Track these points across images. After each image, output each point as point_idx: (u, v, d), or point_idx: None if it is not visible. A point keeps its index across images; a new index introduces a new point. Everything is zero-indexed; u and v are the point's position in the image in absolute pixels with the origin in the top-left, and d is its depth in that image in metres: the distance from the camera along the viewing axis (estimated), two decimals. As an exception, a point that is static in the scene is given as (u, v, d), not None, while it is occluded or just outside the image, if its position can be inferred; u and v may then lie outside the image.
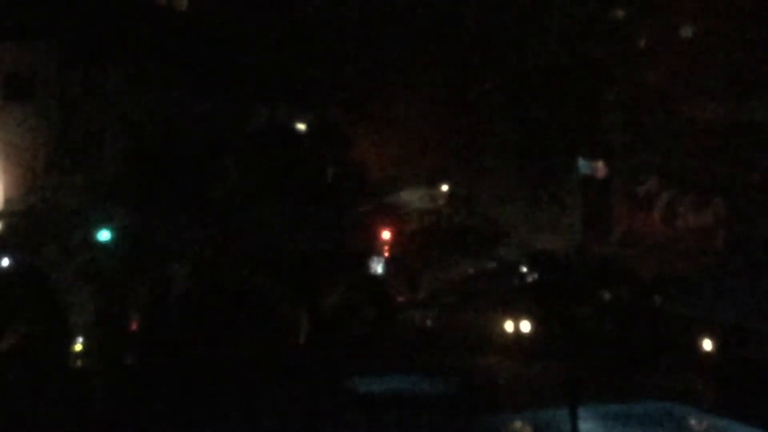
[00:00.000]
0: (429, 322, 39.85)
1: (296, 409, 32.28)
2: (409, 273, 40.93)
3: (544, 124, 44.69)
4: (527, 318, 37.85)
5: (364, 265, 40.05)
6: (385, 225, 41.92)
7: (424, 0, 45.00)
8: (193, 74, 39.44)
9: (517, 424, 33.81)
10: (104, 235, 36.30)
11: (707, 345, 36.35)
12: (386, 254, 41.06)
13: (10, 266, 36.31)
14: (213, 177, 38.09)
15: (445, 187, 45.98)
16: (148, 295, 36.45)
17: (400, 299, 40.23)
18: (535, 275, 39.61)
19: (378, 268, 40.51)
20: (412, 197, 44.98)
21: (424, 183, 45.60)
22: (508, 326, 38.30)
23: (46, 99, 41.56)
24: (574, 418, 31.56)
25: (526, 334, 38.02)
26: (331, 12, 44.09)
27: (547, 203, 44.88)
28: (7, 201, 40.43)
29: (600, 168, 45.40)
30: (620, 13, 46.29)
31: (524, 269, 40.82)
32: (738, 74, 44.01)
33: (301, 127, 42.44)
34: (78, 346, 35.06)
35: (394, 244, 41.73)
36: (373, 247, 40.79)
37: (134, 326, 36.25)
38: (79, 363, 35.08)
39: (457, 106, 45.08)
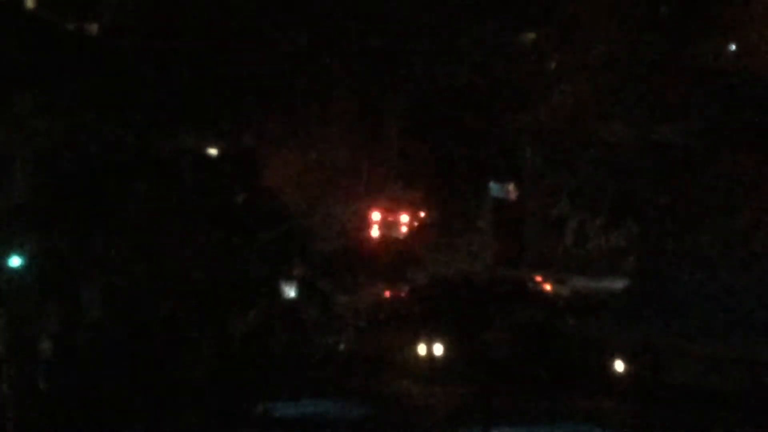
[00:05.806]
0: (341, 346, 39.79)
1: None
2: (321, 297, 40.90)
3: (454, 146, 44.88)
4: (440, 341, 37.93)
5: (276, 289, 39.98)
6: (299, 248, 41.88)
7: (332, 25, 45.13)
8: (104, 98, 39.11)
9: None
10: (15, 261, 35.85)
11: (619, 366, 36.64)
12: (299, 278, 40.99)
13: None
14: (124, 202, 37.84)
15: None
16: (59, 321, 36.11)
17: (313, 323, 40.17)
18: (448, 298, 39.77)
19: (290, 292, 40.42)
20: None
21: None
22: (421, 349, 38.34)
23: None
24: (486, 442, 31.65)
25: (438, 357, 38.08)
26: (242, 36, 44.07)
27: (459, 226, 45.07)
28: None
29: (511, 190, 45.66)
30: (530, 35, 46.63)
31: (437, 292, 40.98)
32: (648, 96, 44.41)
33: (212, 152, 42.34)
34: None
35: (307, 267, 41.68)
36: (285, 271, 40.69)
37: (47, 353, 35.90)
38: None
39: (367, 128, 45.23)
